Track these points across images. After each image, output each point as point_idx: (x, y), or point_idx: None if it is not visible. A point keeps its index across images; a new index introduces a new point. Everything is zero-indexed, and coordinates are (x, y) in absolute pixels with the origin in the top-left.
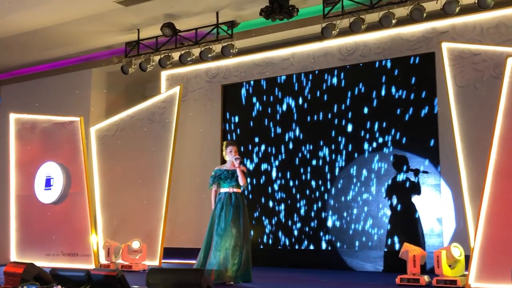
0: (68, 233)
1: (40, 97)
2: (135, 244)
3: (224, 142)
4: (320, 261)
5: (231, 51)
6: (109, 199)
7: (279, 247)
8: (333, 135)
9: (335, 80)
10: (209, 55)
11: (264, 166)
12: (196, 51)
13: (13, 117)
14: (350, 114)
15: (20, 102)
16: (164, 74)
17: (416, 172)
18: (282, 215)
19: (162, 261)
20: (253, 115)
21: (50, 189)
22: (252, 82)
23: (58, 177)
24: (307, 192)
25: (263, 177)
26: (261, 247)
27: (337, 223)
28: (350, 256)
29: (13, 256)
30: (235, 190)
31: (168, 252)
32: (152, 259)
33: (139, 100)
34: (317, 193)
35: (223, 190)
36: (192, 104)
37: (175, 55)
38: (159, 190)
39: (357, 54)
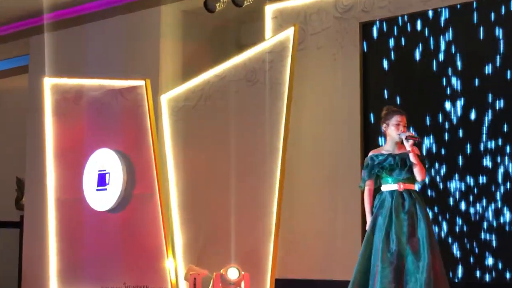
0: (133, 256)
1: (86, 52)
2: (232, 273)
3: (384, 110)
4: None
5: None
6: (192, 204)
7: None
8: None
9: None
10: None
11: (435, 150)
12: None
13: (48, 82)
14: None
15: (57, 60)
16: (270, 10)
17: None
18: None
19: None
20: (412, 69)
21: (105, 189)
22: (406, 17)
23: (116, 172)
24: None
25: (439, 167)
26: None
27: None
28: None
29: None
30: (408, 186)
31: (282, 286)
32: None
33: (232, 52)
34: None
35: (387, 187)
36: (314, 54)
37: None
38: (266, 189)
39: None
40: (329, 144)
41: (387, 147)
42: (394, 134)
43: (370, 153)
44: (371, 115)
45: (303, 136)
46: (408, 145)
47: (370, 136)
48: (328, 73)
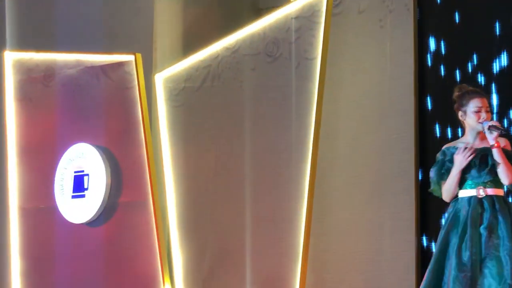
0: (118, 282)
1: (59, 19)
2: None
3: (456, 91)
4: None
5: None
6: (195, 216)
7: None
8: None
9: None
10: None
11: None
12: None
13: (10, 57)
14: None
15: (21, 29)
16: None
17: None
18: None
19: None
20: (485, 40)
21: (83, 195)
22: None
23: (97, 174)
24: None
25: None
26: None
27: None
28: None
29: None
30: (492, 192)
31: None
32: None
33: (247, 18)
34: None
35: (464, 193)
36: (354, 20)
37: None
38: (292, 198)
39: None
40: (374, 140)
41: (465, 138)
42: (474, 124)
43: (445, 146)
44: (428, 100)
45: (339, 128)
46: (491, 137)
47: (428, 127)
48: (372, 45)
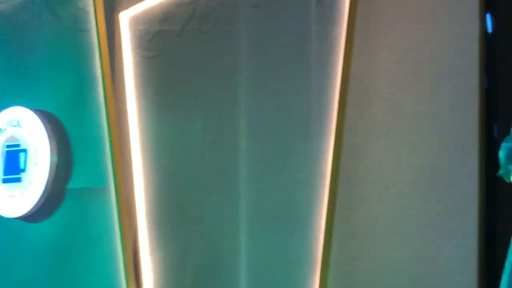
0: None
1: None
2: None
3: None
4: None
5: None
6: (173, 209)
7: None
8: None
9: None
10: None
11: None
12: None
13: None
14: None
15: None
16: None
17: None
18: None
19: None
20: None
21: (18, 179)
22: None
23: (39, 149)
24: None
25: None
26: None
27: None
28: None
29: None
30: None
31: None
32: None
33: None
34: None
35: None
36: None
37: None
38: (307, 189)
39: None
40: (425, 107)
41: None
42: None
43: None
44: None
45: (377, 90)
46: None
47: (496, 101)
48: None
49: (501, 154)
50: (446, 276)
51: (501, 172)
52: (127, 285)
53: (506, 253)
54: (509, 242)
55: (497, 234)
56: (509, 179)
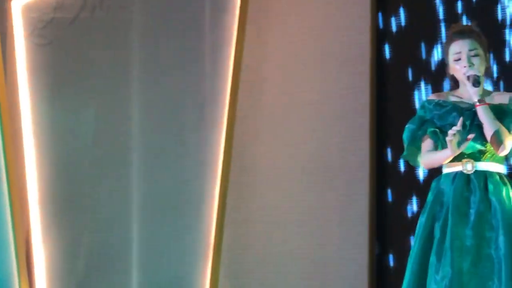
0: None
1: None
2: None
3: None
4: None
5: None
6: (66, 196)
7: None
8: None
9: None
10: None
11: None
12: None
13: None
14: None
15: None
16: None
17: None
18: None
19: None
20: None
21: None
22: None
23: None
24: None
25: None
26: None
27: None
28: None
29: None
30: (483, 166)
31: None
32: None
33: None
34: None
35: (453, 167)
36: None
37: None
38: (200, 173)
39: None
40: (316, 94)
41: (458, 91)
42: (460, 76)
43: (428, 98)
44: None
45: (269, 77)
46: (472, 91)
47: (385, 89)
48: None
49: (405, 136)
50: (338, 260)
51: (405, 154)
52: (19, 273)
53: (396, 241)
54: (398, 227)
55: (387, 219)
56: (413, 162)
